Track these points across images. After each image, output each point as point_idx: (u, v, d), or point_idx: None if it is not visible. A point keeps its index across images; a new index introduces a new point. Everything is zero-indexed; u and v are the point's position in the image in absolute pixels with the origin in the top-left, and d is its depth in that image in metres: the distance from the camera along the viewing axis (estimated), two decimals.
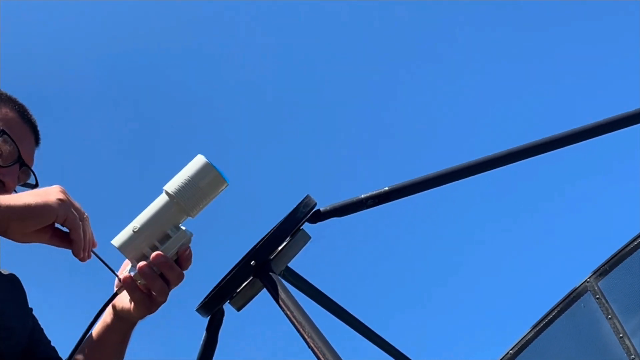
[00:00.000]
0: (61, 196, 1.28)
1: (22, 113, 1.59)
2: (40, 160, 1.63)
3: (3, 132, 1.52)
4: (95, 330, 1.48)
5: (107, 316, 1.46)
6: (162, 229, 1.29)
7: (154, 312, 1.36)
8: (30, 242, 1.30)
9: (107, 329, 1.45)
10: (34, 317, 1.61)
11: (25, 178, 1.57)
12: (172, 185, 1.28)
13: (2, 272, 1.57)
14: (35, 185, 1.58)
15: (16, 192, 1.53)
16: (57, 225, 1.29)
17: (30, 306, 1.61)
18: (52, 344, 1.62)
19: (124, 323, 1.44)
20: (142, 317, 1.38)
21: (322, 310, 1.72)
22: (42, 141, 1.64)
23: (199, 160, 1.30)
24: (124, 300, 1.38)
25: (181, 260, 1.31)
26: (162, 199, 1.29)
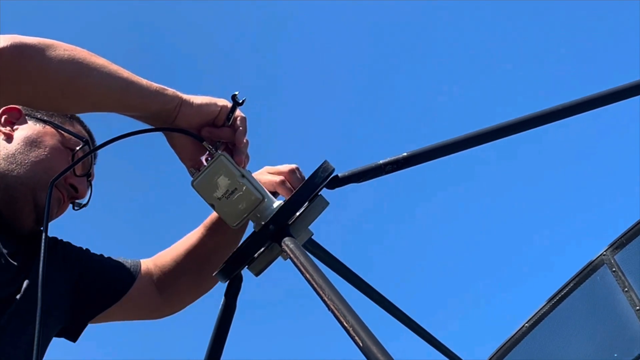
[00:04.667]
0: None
1: (90, 135, 1.69)
2: None
3: (87, 142, 1.61)
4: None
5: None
6: None
7: None
8: (182, 150, 1.39)
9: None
10: (86, 258, 1.66)
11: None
12: None
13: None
14: (85, 205, 1.67)
15: (80, 205, 1.66)
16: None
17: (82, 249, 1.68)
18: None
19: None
20: None
21: (341, 280, 1.72)
22: None
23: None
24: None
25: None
26: None
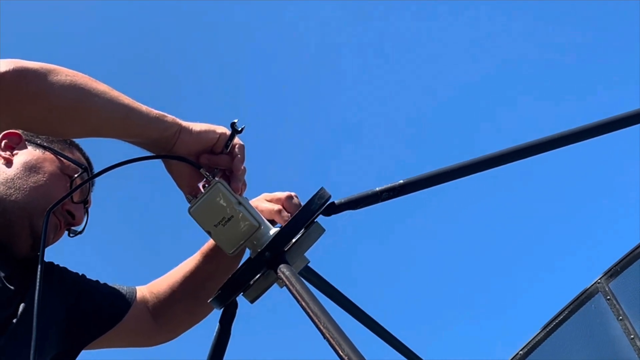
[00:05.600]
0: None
1: (89, 162, 1.69)
2: None
3: (86, 169, 1.62)
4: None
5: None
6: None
7: None
8: (180, 176, 1.39)
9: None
10: (82, 283, 1.66)
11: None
12: None
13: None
14: (81, 232, 1.67)
15: (75, 232, 1.66)
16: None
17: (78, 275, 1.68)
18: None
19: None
20: None
21: (336, 307, 1.71)
22: None
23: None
24: None
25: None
26: None
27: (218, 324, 1.40)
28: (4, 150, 1.60)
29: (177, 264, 1.75)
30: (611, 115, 1.61)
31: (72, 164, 1.62)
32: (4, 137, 1.61)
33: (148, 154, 1.37)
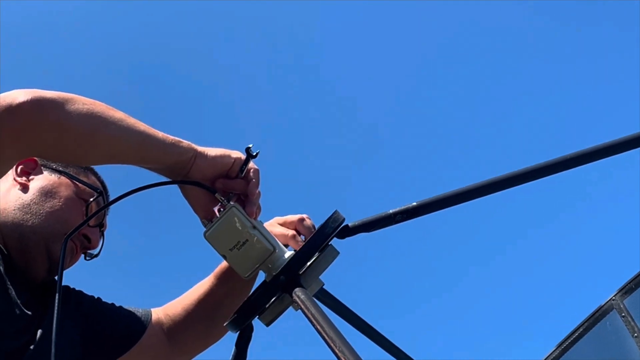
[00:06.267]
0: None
1: (104, 186, 1.71)
2: None
3: (101, 193, 1.64)
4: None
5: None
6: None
7: None
8: (195, 201, 1.41)
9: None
10: (97, 307, 1.67)
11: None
12: None
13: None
14: (97, 255, 1.69)
15: (91, 256, 1.67)
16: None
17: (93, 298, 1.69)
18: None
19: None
20: None
21: (352, 329, 1.72)
22: None
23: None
24: None
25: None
26: None
27: (234, 347, 1.40)
28: (20, 175, 1.62)
29: (192, 285, 1.76)
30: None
31: (87, 188, 1.63)
32: (20, 163, 1.63)
33: (164, 179, 1.39)
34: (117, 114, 1.31)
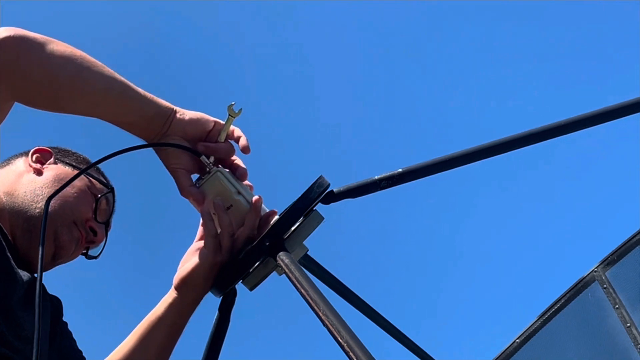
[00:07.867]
0: None
1: (113, 191, 1.67)
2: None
3: (112, 190, 1.63)
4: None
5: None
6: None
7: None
8: (176, 165, 1.37)
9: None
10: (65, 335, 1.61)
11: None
12: None
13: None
14: (97, 257, 1.66)
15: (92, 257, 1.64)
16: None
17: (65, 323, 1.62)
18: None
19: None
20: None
21: (335, 296, 1.72)
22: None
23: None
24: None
25: None
26: None
27: (217, 311, 1.40)
28: (35, 162, 1.60)
29: (180, 251, 1.71)
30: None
31: (99, 184, 1.62)
32: (35, 152, 1.62)
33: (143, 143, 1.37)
34: (98, 62, 1.30)
